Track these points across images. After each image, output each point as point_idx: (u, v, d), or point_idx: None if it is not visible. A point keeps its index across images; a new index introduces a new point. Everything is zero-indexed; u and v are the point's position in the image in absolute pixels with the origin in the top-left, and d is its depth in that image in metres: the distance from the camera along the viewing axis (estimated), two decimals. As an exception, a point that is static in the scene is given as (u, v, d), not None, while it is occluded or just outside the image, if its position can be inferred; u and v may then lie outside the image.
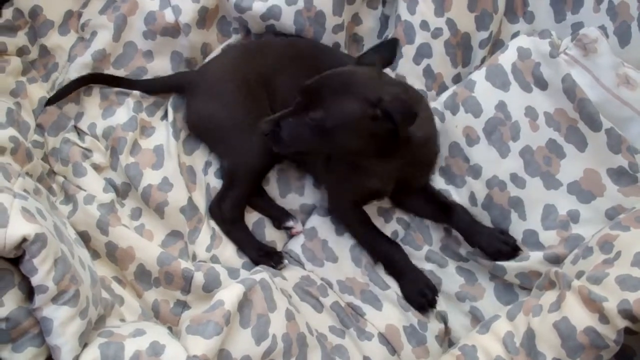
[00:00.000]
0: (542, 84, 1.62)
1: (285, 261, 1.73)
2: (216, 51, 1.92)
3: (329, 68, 1.53)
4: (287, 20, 1.84)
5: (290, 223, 1.78)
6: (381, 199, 1.76)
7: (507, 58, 1.68)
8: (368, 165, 1.62)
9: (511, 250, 1.61)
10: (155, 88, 1.89)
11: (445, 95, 1.76)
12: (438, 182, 1.76)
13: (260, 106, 1.75)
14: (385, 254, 1.72)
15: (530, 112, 1.63)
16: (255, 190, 1.80)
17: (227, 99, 1.76)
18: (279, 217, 1.79)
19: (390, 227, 1.77)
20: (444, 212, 1.70)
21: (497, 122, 1.66)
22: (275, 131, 1.48)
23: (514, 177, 1.63)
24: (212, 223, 1.78)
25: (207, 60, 1.91)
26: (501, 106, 1.66)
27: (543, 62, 1.62)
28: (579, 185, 1.58)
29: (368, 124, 1.45)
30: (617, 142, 1.53)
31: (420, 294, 1.66)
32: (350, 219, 1.74)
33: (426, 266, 1.72)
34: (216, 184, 1.81)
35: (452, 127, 1.73)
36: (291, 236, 1.80)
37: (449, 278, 1.70)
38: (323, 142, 1.49)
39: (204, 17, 1.88)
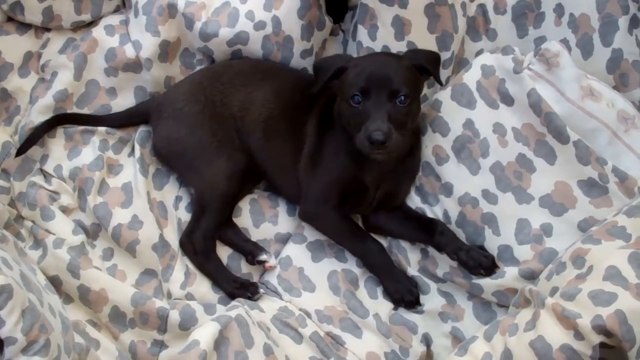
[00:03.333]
0: (508, 100, 1.63)
1: (262, 291, 1.71)
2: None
3: (294, 85, 1.68)
4: (255, 45, 1.83)
5: (263, 257, 1.75)
6: (363, 207, 1.74)
7: (471, 76, 1.68)
8: (366, 159, 1.62)
9: (491, 265, 1.61)
10: (122, 120, 1.87)
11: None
12: (414, 200, 1.76)
13: (225, 128, 1.75)
14: (370, 251, 1.70)
15: (498, 129, 1.63)
16: (226, 219, 1.77)
17: (192, 121, 1.75)
18: (252, 251, 1.76)
19: None
20: (424, 229, 1.69)
21: (466, 140, 1.67)
22: (389, 130, 1.51)
23: (486, 193, 1.63)
24: (186, 259, 1.76)
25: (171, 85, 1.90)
26: (468, 124, 1.67)
27: (507, 78, 1.63)
28: (551, 198, 1.58)
29: (419, 79, 1.62)
30: (586, 153, 1.54)
31: (408, 291, 1.67)
32: (331, 214, 1.72)
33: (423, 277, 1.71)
34: (187, 218, 1.80)
35: (423, 147, 1.74)
36: (265, 270, 1.77)
37: (431, 299, 1.69)
38: (408, 118, 1.57)
39: (166, 51, 1.86)
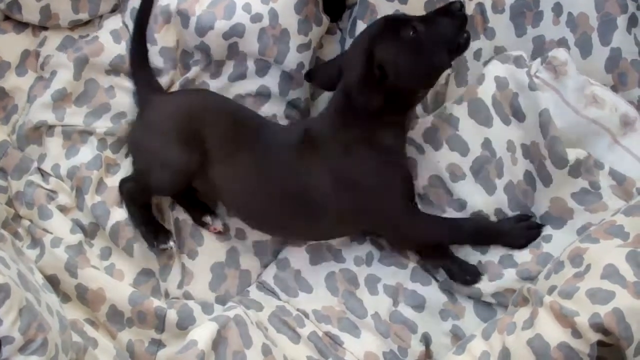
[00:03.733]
0: (520, 116, 1.61)
1: (171, 243, 1.72)
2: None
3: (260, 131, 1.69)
4: (251, 38, 1.81)
5: (207, 219, 1.77)
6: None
7: (486, 90, 1.66)
8: (404, 157, 1.65)
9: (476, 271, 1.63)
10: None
11: (422, 127, 1.74)
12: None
13: (190, 157, 1.68)
14: (474, 226, 1.65)
15: (510, 146, 1.63)
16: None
17: (164, 139, 1.71)
18: (199, 211, 1.78)
19: (364, 249, 1.75)
20: None
21: (484, 161, 1.66)
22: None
23: (498, 212, 1.64)
24: (183, 257, 1.76)
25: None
26: (486, 144, 1.66)
27: (521, 93, 1.61)
28: (550, 215, 1.58)
29: None
30: (577, 168, 1.54)
31: (524, 234, 1.61)
32: (421, 217, 1.67)
33: (409, 285, 1.69)
34: (185, 217, 1.80)
35: (434, 161, 1.71)
36: (212, 233, 1.78)
37: (433, 295, 1.68)
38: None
39: (168, 58, 1.86)
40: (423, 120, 1.75)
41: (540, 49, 1.73)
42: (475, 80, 1.71)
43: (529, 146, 1.60)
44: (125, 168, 1.82)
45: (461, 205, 1.68)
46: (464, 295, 1.65)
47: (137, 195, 1.74)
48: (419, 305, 1.67)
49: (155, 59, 1.85)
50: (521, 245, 1.60)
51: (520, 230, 1.60)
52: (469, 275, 1.61)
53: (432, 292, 1.68)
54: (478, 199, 1.66)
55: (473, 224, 1.65)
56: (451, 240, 1.66)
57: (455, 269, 1.63)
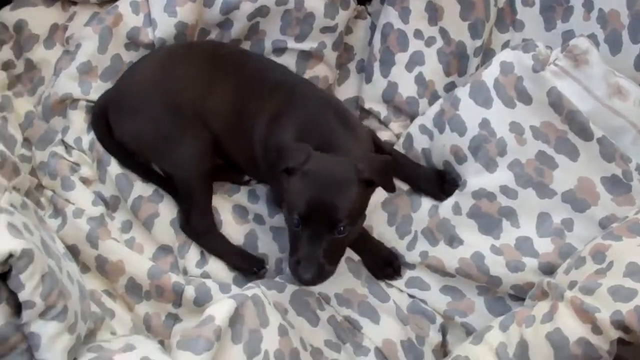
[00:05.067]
0: (526, 99, 1.61)
1: (267, 266, 1.72)
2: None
3: (255, 75, 1.67)
4: (275, 18, 1.82)
5: (246, 177, 1.80)
6: None
7: (490, 74, 1.66)
8: None
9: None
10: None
11: (433, 112, 1.76)
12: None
13: (186, 112, 1.68)
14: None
15: (516, 128, 1.62)
16: (212, 191, 1.76)
17: (151, 115, 1.69)
18: (236, 173, 1.80)
19: None
20: None
21: (482, 140, 1.64)
22: (321, 268, 1.42)
23: (505, 189, 1.61)
24: None
25: (125, 71, 1.83)
26: (484, 124, 1.65)
27: (526, 76, 1.61)
28: (574, 193, 1.56)
29: (368, 194, 1.49)
30: (610, 150, 1.53)
31: (386, 263, 1.68)
32: None
33: (407, 291, 1.69)
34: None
35: (440, 145, 1.72)
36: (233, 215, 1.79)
37: (435, 299, 1.66)
38: (345, 245, 1.50)
39: (183, 32, 1.83)
40: (434, 105, 1.76)
41: (569, 44, 1.72)
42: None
43: (538, 127, 1.59)
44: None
45: (462, 185, 1.68)
46: (475, 288, 1.63)
47: (203, 211, 1.73)
48: (422, 305, 1.67)
49: (169, 29, 1.83)
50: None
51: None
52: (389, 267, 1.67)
53: (432, 295, 1.67)
54: (478, 178, 1.65)
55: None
56: None
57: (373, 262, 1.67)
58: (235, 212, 1.79)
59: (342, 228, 1.40)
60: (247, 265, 1.70)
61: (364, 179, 1.43)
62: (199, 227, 1.72)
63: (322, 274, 1.42)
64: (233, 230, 1.77)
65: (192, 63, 1.72)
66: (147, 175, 1.78)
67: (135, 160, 1.76)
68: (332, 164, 1.44)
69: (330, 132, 1.56)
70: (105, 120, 1.77)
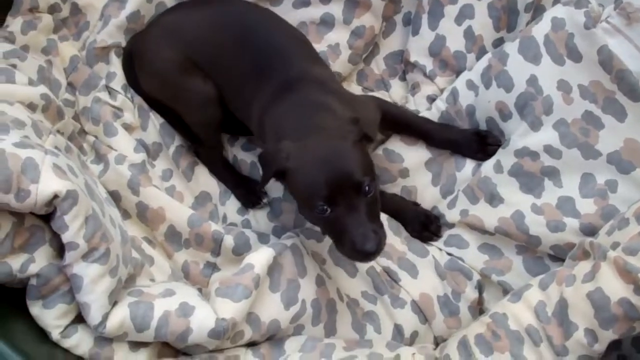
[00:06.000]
0: (576, 56, 1.56)
1: (265, 200, 1.74)
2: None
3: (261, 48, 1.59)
4: None
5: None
6: None
7: (540, 29, 1.61)
8: None
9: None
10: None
11: (481, 67, 1.71)
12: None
13: (195, 64, 1.67)
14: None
15: (563, 85, 1.57)
16: (220, 137, 1.81)
17: (159, 62, 1.70)
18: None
19: None
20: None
21: (529, 97, 1.60)
22: (377, 233, 1.34)
23: (549, 149, 1.58)
24: None
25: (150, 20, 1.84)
26: (532, 80, 1.60)
27: (577, 33, 1.55)
28: (619, 155, 1.52)
29: (364, 146, 1.44)
30: None
31: (424, 226, 1.67)
32: None
33: (445, 250, 1.68)
34: (244, 156, 1.81)
35: (485, 101, 1.68)
36: None
37: (472, 257, 1.65)
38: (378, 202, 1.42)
39: None
40: (482, 60, 1.72)
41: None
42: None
43: (587, 86, 1.55)
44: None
45: (505, 143, 1.65)
46: (514, 247, 1.62)
47: (211, 153, 1.78)
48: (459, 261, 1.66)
49: None
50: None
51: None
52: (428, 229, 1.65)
53: (469, 253, 1.65)
54: (522, 136, 1.61)
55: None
56: None
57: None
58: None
59: (367, 187, 1.34)
60: (245, 199, 1.75)
61: (356, 138, 1.38)
62: (206, 155, 1.79)
63: (380, 239, 1.33)
64: (271, 183, 1.76)
65: (208, 17, 1.69)
66: (166, 116, 1.80)
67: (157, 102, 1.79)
68: (321, 143, 1.38)
69: (326, 109, 1.49)
70: (132, 65, 1.79)
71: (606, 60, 1.51)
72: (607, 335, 1.26)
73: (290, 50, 1.62)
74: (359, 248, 1.30)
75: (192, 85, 1.66)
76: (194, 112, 1.71)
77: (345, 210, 1.33)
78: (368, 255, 1.32)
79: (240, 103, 1.65)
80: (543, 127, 1.59)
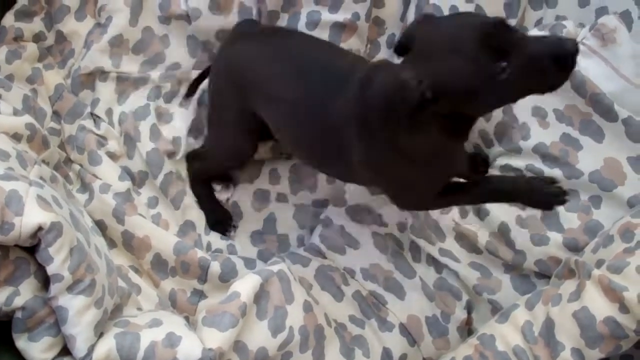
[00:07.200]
0: None
1: (232, 233, 1.78)
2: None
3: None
4: None
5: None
6: None
7: None
8: (453, 148, 1.42)
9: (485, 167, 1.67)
10: None
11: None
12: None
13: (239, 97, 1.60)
14: (489, 192, 1.49)
15: (538, 112, 1.60)
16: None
17: (212, 89, 1.69)
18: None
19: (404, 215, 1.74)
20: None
21: (507, 126, 1.64)
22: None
23: (531, 167, 1.61)
24: None
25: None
26: (507, 110, 1.64)
27: None
28: (600, 174, 1.54)
29: None
30: (637, 130, 1.51)
31: (547, 196, 1.49)
32: (437, 203, 1.54)
33: (441, 260, 1.68)
34: (236, 174, 1.82)
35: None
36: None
37: (465, 271, 1.66)
38: None
39: (217, 2, 1.78)
40: None
41: (602, 21, 1.69)
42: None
43: (562, 110, 1.58)
44: (177, 119, 1.82)
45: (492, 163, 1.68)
46: (502, 266, 1.63)
47: (205, 175, 1.80)
48: (454, 277, 1.66)
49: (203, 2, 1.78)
50: (544, 207, 1.51)
51: (544, 196, 1.47)
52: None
53: (463, 268, 1.66)
54: (503, 160, 1.65)
55: (491, 186, 1.49)
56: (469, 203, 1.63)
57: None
58: (256, 198, 1.81)
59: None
60: (217, 226, 1.78)
61: None
62: (195, 171, 1.79)
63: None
64: (252, 218, 1.80)
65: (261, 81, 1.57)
66: None
67: None
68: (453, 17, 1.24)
69: None
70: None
71: (580, 84, 1.54)
72: (594, 355, 1.28)
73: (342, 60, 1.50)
74: (561, 53, 1.10)
75: (232, 122, 1.65)
76: (218, 154, 1.74)
77: (519, 43, 1.12)
78: (572, 51, 1.11)
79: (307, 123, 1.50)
80: (523, 152, 1.62)
